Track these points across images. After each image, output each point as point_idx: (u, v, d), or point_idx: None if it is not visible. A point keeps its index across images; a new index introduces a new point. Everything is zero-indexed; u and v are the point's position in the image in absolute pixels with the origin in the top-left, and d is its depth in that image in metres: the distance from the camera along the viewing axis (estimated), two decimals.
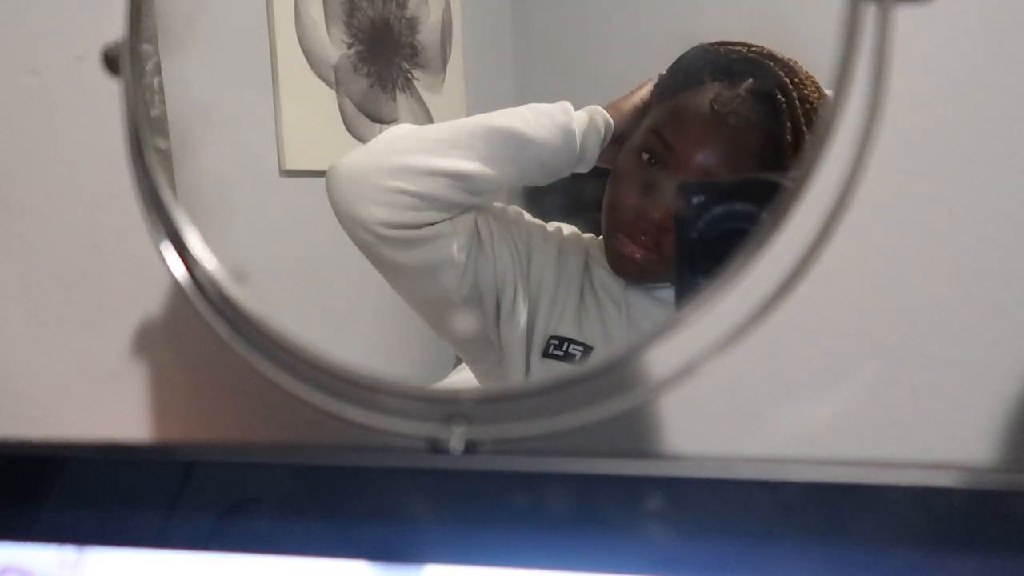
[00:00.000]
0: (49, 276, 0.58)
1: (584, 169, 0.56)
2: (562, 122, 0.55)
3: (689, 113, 0.51)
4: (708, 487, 0.31)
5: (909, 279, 0.45)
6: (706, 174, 0.51)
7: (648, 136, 0.52)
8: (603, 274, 0.57)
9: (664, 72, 0.55)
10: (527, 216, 0.59)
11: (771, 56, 0.51)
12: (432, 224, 0.54)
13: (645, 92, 0.56)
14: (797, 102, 0.49)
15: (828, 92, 0.49)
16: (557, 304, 0.57)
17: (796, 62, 0.51)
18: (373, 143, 0.56)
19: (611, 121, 0.55)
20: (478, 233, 0.56)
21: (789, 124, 0.49)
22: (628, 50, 0.60)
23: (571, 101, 0.61)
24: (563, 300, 0.57)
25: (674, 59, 0.54)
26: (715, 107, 0.50)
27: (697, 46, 0.53)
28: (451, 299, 0.55)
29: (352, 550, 0.34)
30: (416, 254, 0.54)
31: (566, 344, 0.55)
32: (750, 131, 0.50)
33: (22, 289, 0.59)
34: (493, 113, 0.55)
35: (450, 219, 0.54)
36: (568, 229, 0.60)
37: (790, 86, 0.50)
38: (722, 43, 0.53)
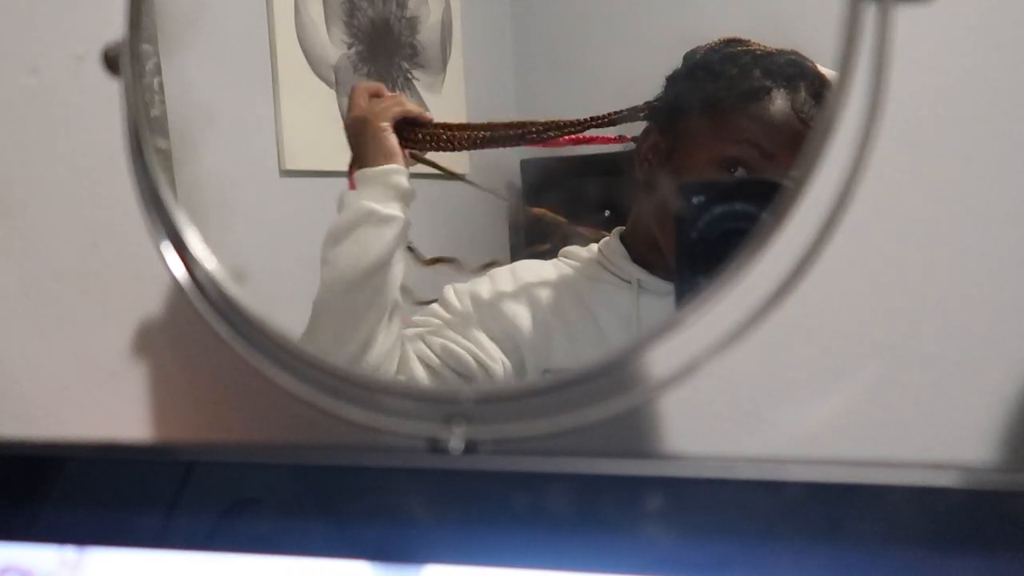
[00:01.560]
0: (49, 276, 0.59)
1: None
2: (379, 217, 0.55)
3: (781, 121, 0.52)
4: (708, 487, 0.31)
5: (909, 279, 0.45)
6: None
7: (740, 148, 0.52)
8: (607, 290, 0.56)
9: (675, 86, 0.55)
10: (466, 289, 0.59)
11: (799, 54, 0.52)
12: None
13: (390, 132, 0.57)
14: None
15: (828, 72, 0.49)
16: (538, 339, 0.56)
17: None
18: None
19: (402, 167, 0.56)
20: (428, 365, 0.56)
21: None
22: (628, 50, 0.60)
23: (571, 101, 0.61)
24: (543, 333, 0.56)
25: (675, 59, 0.54)
26: (800, 115, 0.51)
27: (714, 49, 0.53)
28: None
29: (352, 550, 0.34)
30: None
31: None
32: None
33: (22, 289, 0.59)
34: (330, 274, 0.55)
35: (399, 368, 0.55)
36: (526, 267, 0.60)
37: (829, 84, 0.51)
38: (732, 41, 0.53)
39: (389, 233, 0.55)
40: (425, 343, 0.56)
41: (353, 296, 0.55)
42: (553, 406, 0.36)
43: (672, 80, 0.55)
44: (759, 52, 0.52)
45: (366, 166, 0.56)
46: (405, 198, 0.56)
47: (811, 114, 0.51)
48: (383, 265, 0.55)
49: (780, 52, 0.52)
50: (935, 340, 0.45)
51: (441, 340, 0.56)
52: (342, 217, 0.55)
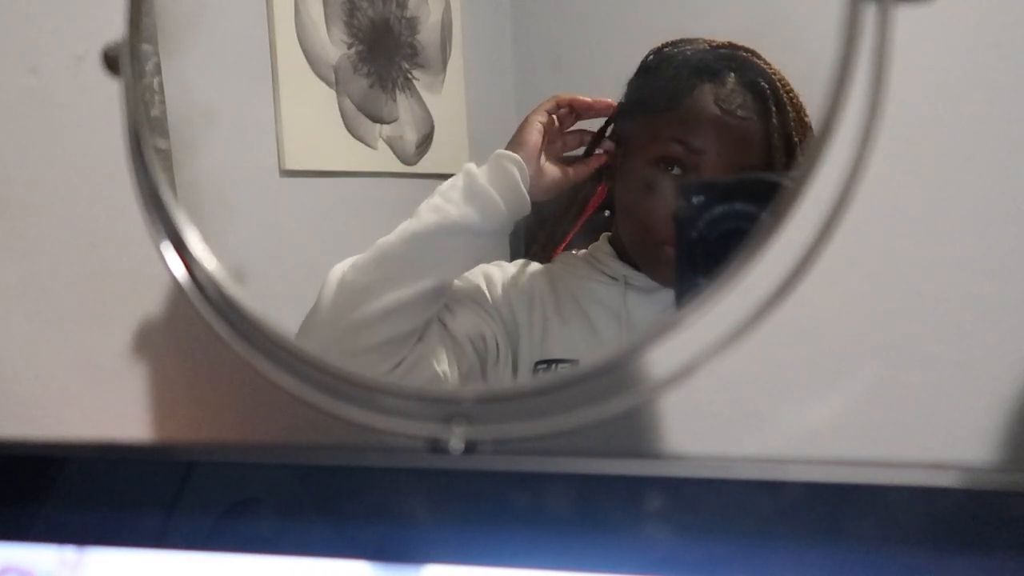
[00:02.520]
0: (49, 276, 0.59)
1: (524, 212, 0.55)
2: (470, 187, 0.54)
3: (703, 116, 0.52)
4: (708, 487, 0.31)
5: (909, 279, 0.45)
6: (731, 170, 0.52)
7: (669, 146, 0.53)
8: (597, 288, 0.57)
9: (630, 90, 0.56)
10: (480, 270, 0.59)
11: (734, 46, 0.52)
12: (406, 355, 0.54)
13: (538, 126, 0.56)
14: (777, 84, 0.52)
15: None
16: (535, 331, 0.57)
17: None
18: (317, 311, 0.54)
19: (519, 159, 0.55)
20: (450, 335, 0.56)
21: (774, 108, 0.51)
22: (628, 50, 0.60)
23: None
24: (540, 325, 0.57)
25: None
26: (722, 106, 0.52)
27: (655, 51, 0.54)
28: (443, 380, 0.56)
29: (352, 550, 0.34)
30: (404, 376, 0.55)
31: (554, 365, 0.56)
32: (753, 121, 0.52)
33: (22, 289, 0.59)
34: (408, 222, 0.55)
35: (421, 341, 0.54)
36: (531, 265, 0.61)
37: (767, 71, 0.52)
38: (670, 44, 0.54)
39: (475, 212, 0.54)
40: (450, 311, 0.56)
41: (415, 252, 0.54)
42: (553, 406, 0.36)
43: (628, 85, 0.56)
44: (690, 52, 0.53)
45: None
46: (510, 190, 0.54)
47: (736, 104, 0.52)
48: (458, 233, 0.54)
49: (715, 47, 0.53)
50: (935, 340, 0.45)
51: (467, 315, 0.56)
52: (454, 179, 0.55)
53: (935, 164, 0.44)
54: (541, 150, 0.56)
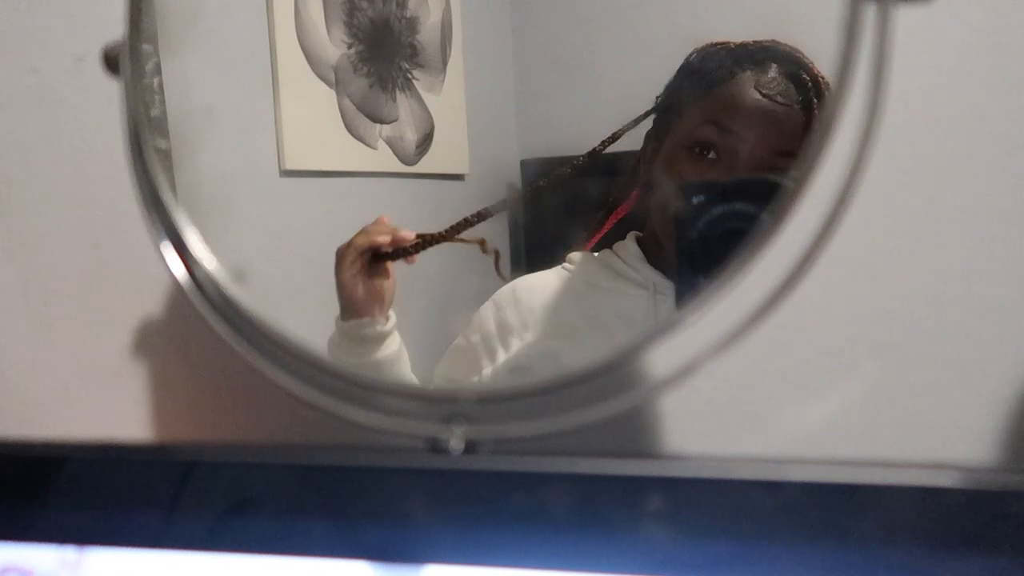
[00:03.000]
0: (49, 276, 0.59)
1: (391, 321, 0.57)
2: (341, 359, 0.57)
3: (739, 99, 0.52)
4: (708, 487, 0.31)
5: (909, 279, 0.45)
6: (765, 157, 0.52)
7: (704, 129, 0.53)
8: (621, 301, 0.56)
9: (672, 83, 0.56)
10: (476, 317, 0.60)
11: (777, 43, 0.53)
12: None
13: (352, 277, 0.57)
14: (819, 79, 0.52)
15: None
16: (551, 360, 0.56)
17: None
18: None
19: (358, 323, 0.56)
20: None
21: (815, 100, 0.51)
22: (628, 50, 0.60)
23: (571, 101, 0.61)
24: (555, 351, 0.56)
25: (675, 60, 0.54)
26: (762, 91, 0.52)
27: (699, 50, 0.54)
28: None
29: (352, 550, 0.34)
30: None
31: None
32: (793, 109, 0.52)
33: (22, 289, 0.59)
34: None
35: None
36: (528, 282, 0.60)
37: (810, 67, 0.52)
38: (716, 43, 0.54)
39: (374, 370, 0.56)
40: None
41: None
42: (553, 406, 0.36)
43: (667, 87, 0.56)
44: (735, 45, 0.54)
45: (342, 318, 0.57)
46: (379, 341, 0.56)
47: (776, 90, 0.52)
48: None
49: (757, 42, 0.53)
50: (935, 340, 0.45)
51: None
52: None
53: (935, 164, 0.44)
54: (367, 292, 0.57)
